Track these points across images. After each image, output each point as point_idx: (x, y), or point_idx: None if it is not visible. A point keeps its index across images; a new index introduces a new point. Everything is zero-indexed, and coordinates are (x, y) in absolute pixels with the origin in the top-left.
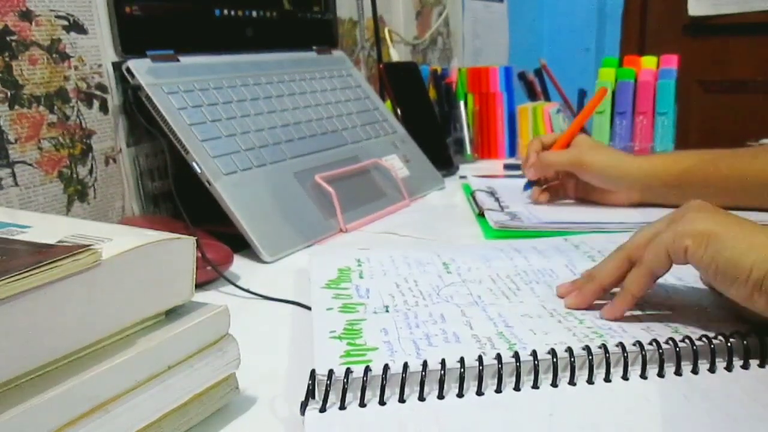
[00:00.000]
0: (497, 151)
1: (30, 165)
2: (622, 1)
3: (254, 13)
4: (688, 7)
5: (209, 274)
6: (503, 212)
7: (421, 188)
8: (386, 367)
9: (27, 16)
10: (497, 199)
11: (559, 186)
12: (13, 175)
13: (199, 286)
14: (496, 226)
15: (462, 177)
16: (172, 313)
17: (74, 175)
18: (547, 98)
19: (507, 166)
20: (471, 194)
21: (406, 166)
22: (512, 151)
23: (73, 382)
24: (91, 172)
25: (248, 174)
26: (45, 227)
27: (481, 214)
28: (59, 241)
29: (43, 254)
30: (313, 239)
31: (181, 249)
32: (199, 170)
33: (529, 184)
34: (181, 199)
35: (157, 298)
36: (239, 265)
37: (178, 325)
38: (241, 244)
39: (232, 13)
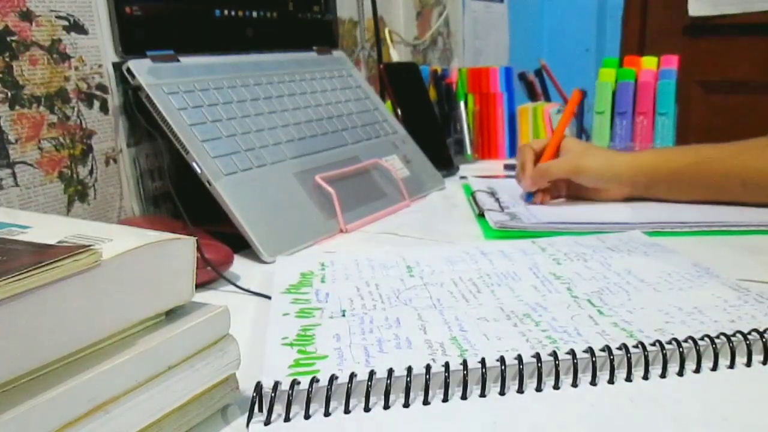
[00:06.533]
0: (497, 152)
1: (30, 165)
2: (622, 1)
3: (254, 14)
4: (688, 8)
5: (209, 274)
6: (503, 212)
7: (421, 188)
8: (333, 378)
9: (27, 16)
10: (497, 200)
11: (552, 187)
12: (14, 175)
13: (200, 286)
14: (496, 226)
15: (462, 177)
16: (172, 314)
17: (74, 176)
18: (548, 99)
19: (507, 167)
20: (471, 195)
21: (407, 166)
22: (512, 152)
23: (73, 382)
24: (91, 172)
25: (248, 174)
26: (45, 227)
27: (481, 215)
28: (59, 242)
29: (43, 254)
30: (313, 239)
31: (181, 249)
32: (199, 170)
33: (530, 196)
34: (181, 200)
35: (157, 298)
36: (239, 265)
37: (178, 326)
38: (241, 244)
39: (232, 13)
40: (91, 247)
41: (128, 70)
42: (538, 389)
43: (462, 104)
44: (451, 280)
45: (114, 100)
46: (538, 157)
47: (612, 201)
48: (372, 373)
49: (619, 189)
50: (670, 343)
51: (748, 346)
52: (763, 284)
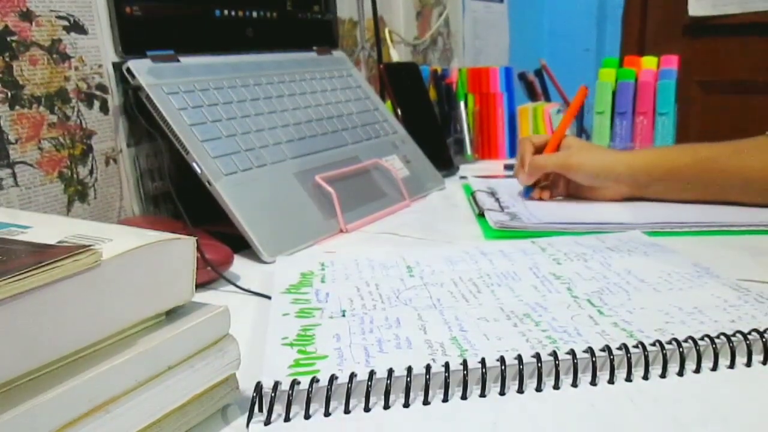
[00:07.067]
0: (497, 152)
1: (30, 165)
2: (622, 1)
3: (254, 14)
4: (688, 8)
5: (209, 274)
6: (503, 212)
7: (421, 188)
8: (333, 378)
9: (27, 16)
10: (497, 200)
11: (551, 185)
12: (14, 175)
13: (200, 286)
14: (496, 226)
15: (462, 177)
16: (172, 314)
17: (74, 176)
18: (548, 98)
19: (507, 167)
20: (471, 194)
21: (407, 166)
22: (512, 152)
23: (73, 382)
24: (91, 172)
25: (248, 174)
26: (45, 227)
27: (481, 215)
28: (59, 242)
29: (43, 254)
30: (313, 239)
31: (181, 249)
32: (199, 170)
33: (528, 190)
34: (181, 200)
35: (158, 298)
36: (239, 265)
37: (178, 326)
38: (241, 244)
39: (233, 13)
40: (91, 247)
41: (128, 70)
42: (538, 389)
43: (462, 104)
44: (451, 280)
45: (114, 100)
46: (537, 151)
47: (611, 200)
48: (372, 373)
49: (617, 187)
50: (670, 343)
51: (748, 346)
52: (763, 284)
